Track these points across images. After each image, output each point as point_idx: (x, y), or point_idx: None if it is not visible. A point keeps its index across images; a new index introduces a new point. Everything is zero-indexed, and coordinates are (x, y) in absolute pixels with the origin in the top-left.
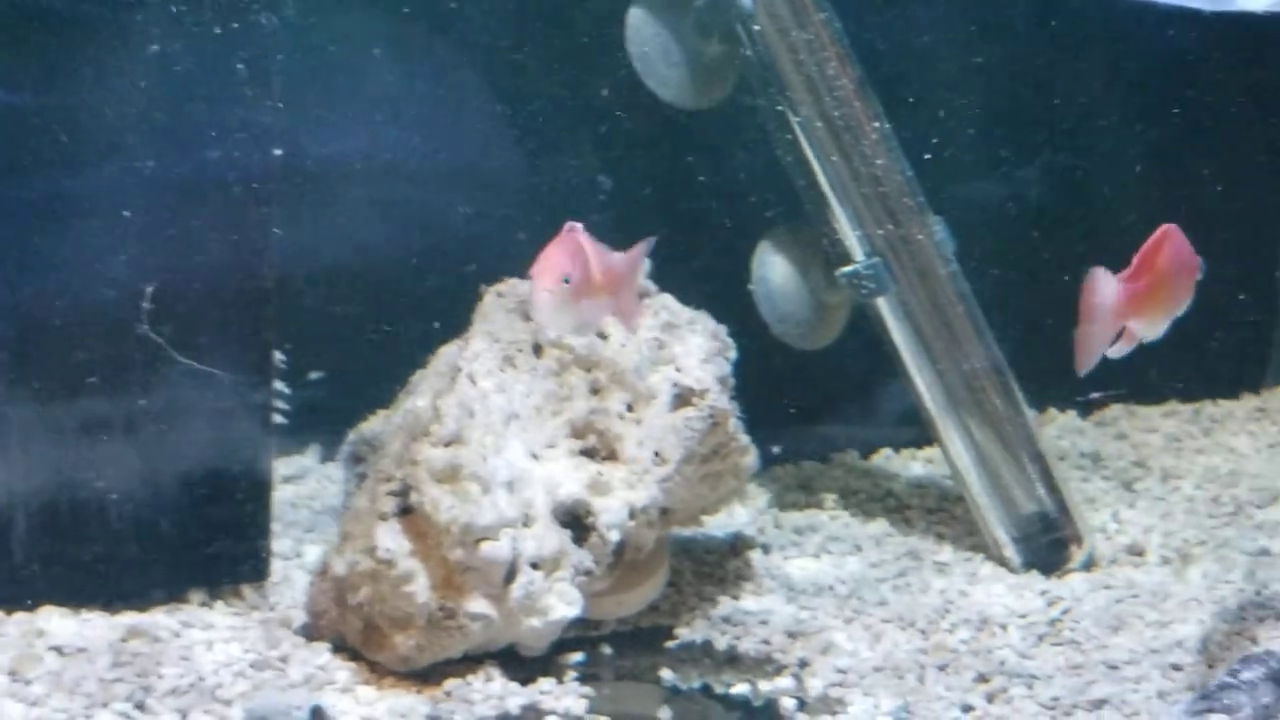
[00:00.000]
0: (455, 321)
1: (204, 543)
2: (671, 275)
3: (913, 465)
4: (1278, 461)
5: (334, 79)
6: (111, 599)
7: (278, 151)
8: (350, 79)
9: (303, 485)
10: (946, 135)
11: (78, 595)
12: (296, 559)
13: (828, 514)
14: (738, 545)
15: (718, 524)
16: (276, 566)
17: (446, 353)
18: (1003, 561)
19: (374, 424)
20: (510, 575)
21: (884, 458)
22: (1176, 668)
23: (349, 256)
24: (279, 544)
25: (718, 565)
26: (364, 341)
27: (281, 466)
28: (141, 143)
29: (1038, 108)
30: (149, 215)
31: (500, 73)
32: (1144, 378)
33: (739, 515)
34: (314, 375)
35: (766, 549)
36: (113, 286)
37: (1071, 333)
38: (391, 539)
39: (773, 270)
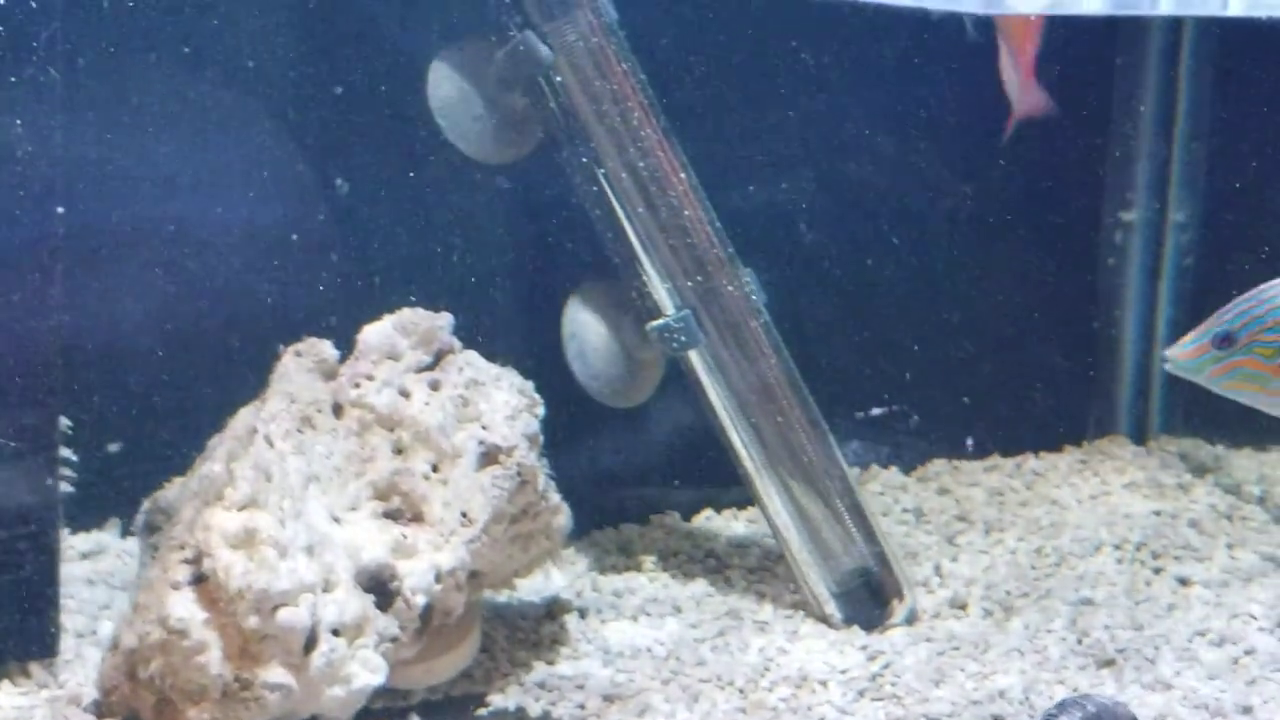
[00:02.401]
0: (258, 385)
1: None
2: (477, 331)
3: (734, 525)
4: (1099, 512)
5: (128, 136)
6: None
7: (60, 210)
8: (145, 137)
9: (101, 561)
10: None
11: None
12: (91, 635)
13: (647, 576)
14: (553, 609)
15: (532, 588)
16: (69, 644)
17: (243, 415)
18: (824, 618)
19: (170, 491)
20: (310, 643)
21: (705, 518)
22: (998, 718)
23: (145, 321)
24: (73, 620)
25: (532, 630)
26: (164, 409)
27: (79, 542)
28: None
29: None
30: None
31: (300, 130)
32: (965, 433)
33: (555, 579)
34: (112, 446)
35: (583, 613)
36: None
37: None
38: (184, 608)
39: (584, 328)
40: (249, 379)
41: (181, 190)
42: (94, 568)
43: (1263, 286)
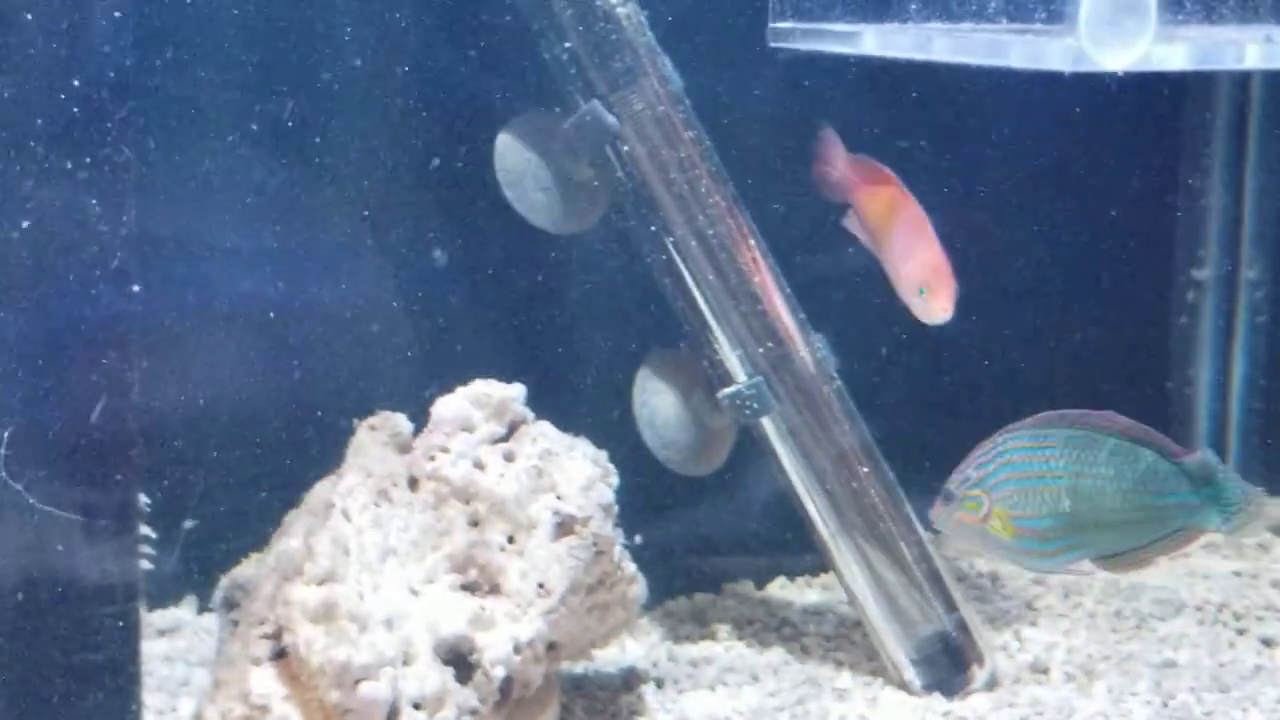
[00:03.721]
0: (331, 459)
1: (69, 696)
2: (549, 402)
3: (808, 592)
4: (1178, 573)
5: (195, 216)
6: None
7: (136, 288)
8: (211, 216)
9: (178, 638)
10: None
11: None
12: (171, 713)
13: (722, 645)
14: (630, 680)
15: (609, 659)
16: None
17: (320, 490)
18: (903, 685)
19: (247, 568)
20: (391, 716)
21: (779, 586)
22: None
23: (219, 397)
24: (152, 698)
25: (610, 701)
26: (238, 485)
27: (156, 619)
28: None
29: None
30: (2, 358)
31: (366, 204)
32: None
33: (631, 650)
34: (187, 523)
35: (660, 683)
36: None
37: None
38: (265, 683)
39: (655, 396)
40: (323, 454)
41: (255, 267)
42: (171, 645)
43: (981, 447)
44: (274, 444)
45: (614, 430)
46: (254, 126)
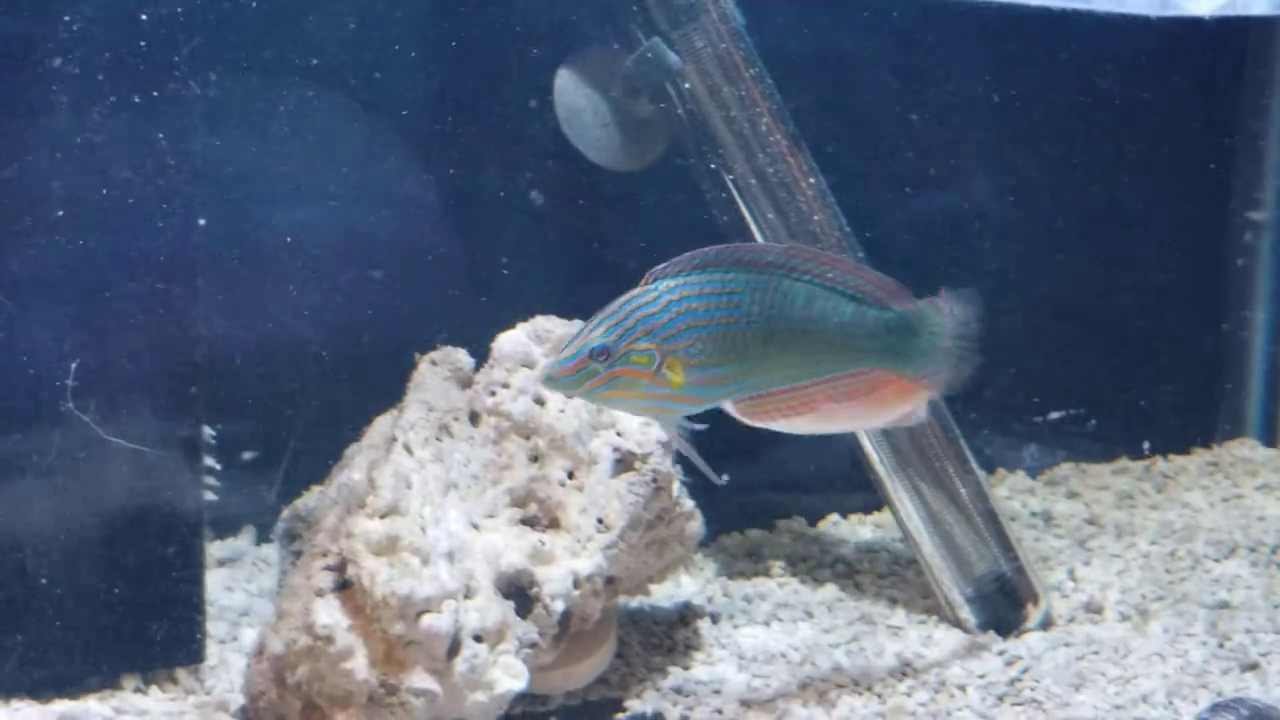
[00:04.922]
0: (392, 393)
1: (137, 626)
2: None
3: (861, 530)
4: (1233, 515)
5: (267, 148)
6: (42, 687)
7: (201, 222)
8: (284, 149)
9: (237, 568)
10: None
11: (7, 684)
12: (233, 642)
13: (776, 581)
14: (686, 614)
15: (664, 594)
16: (212, 650)
17: (381, 424)
18: (958, 623)
19: (308, 499)
20: (453, 649)
21: (832, 523)
22: None
23: (279, 330)
24: (214, 627)
25: (666, 635)
26: (297, 418)
27: (215, 549)
28: (62, 216)
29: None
30: (70, 290)
31: (428, 141)
32: (1093, 436)
33: (686, 585)
34: (247, 455)
35: (715, 618)
36: (36, 364)
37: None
38: (329, 614)
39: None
40: (382, 388)
41: (317, 201)
42: (231, 574)
43: (623, 299)
44: (332, 377)
45: None
46: (326, 66)
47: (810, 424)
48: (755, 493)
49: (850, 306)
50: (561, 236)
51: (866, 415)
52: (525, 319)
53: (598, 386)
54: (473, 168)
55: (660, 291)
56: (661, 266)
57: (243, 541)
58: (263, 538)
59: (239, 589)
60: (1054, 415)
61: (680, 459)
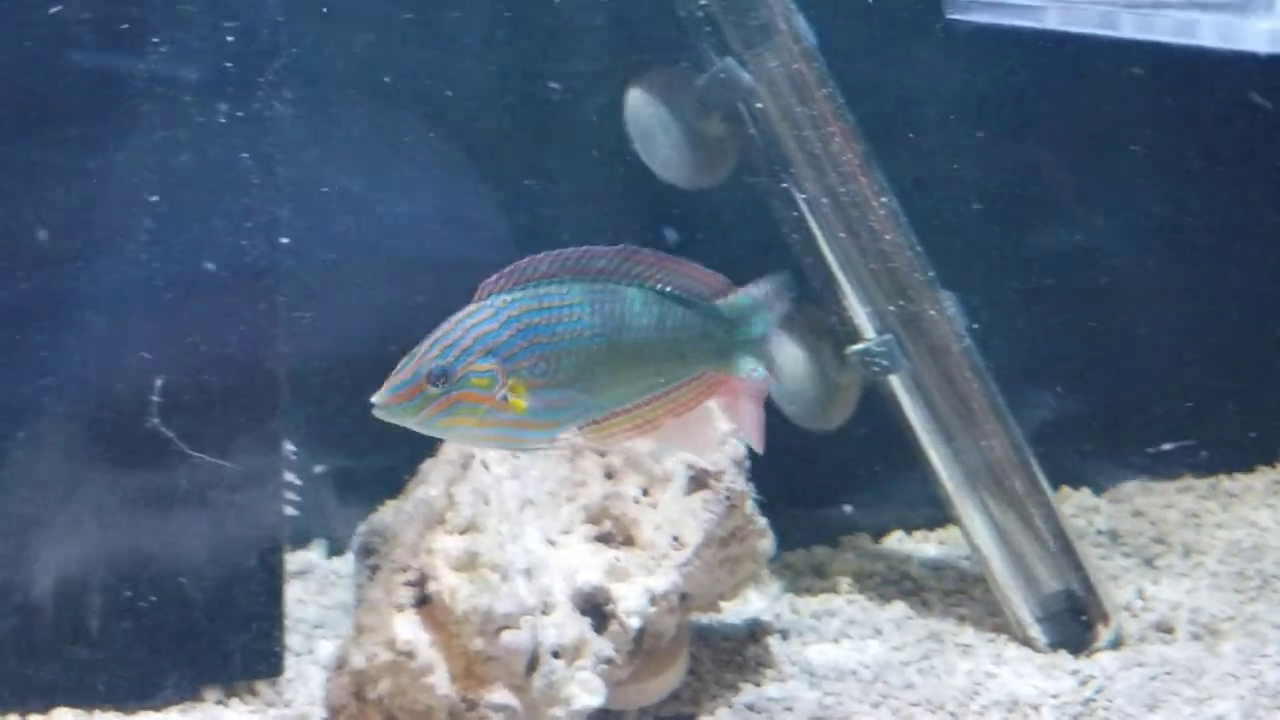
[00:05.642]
0: None
1: (218, 639)
2: None
3: (926, 547)
4: None
5: (341, 166)
6: (125, 699)
7: (284, 240)
8: (356, 166)
9: (309, 581)
10: None
11: (91, 696)
12: (308, 655)
13: (844, 598)
14: (755, 631)
15: (733, 610)
16: (289, 662)
17: None
18: (1027, 642)
19: (384, 514)
20: (532, 665)
21: (897, 540)
22: None
23: (356, 345)
24: (290, 640)
25: (736, 652)
26: (368, 433)
27: (287, 562)
28: (148, 234)
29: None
30: (155, 307)
31: (501, 157)
32: (1157, 453)
33: (754, 601)
34: (318, 469)
35: (785, 634)
36: (121, 380)
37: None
38: (410, 630)
39: (782, 351)
40: None
41: (395, 218)
42: (303, 587)
43: (459, 315)
44: None
45: None
46: (400, 86)
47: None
48: (819, 509)
49: (681, 309)
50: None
51: (699, 430)
52: None
53: (436, 414)
54: (546, 184)
55: (497, 307)
56: (494, 279)
57: (314, 554)
58: (333, 551)
59: (311, 602)
60: (1120, 432)
61: None
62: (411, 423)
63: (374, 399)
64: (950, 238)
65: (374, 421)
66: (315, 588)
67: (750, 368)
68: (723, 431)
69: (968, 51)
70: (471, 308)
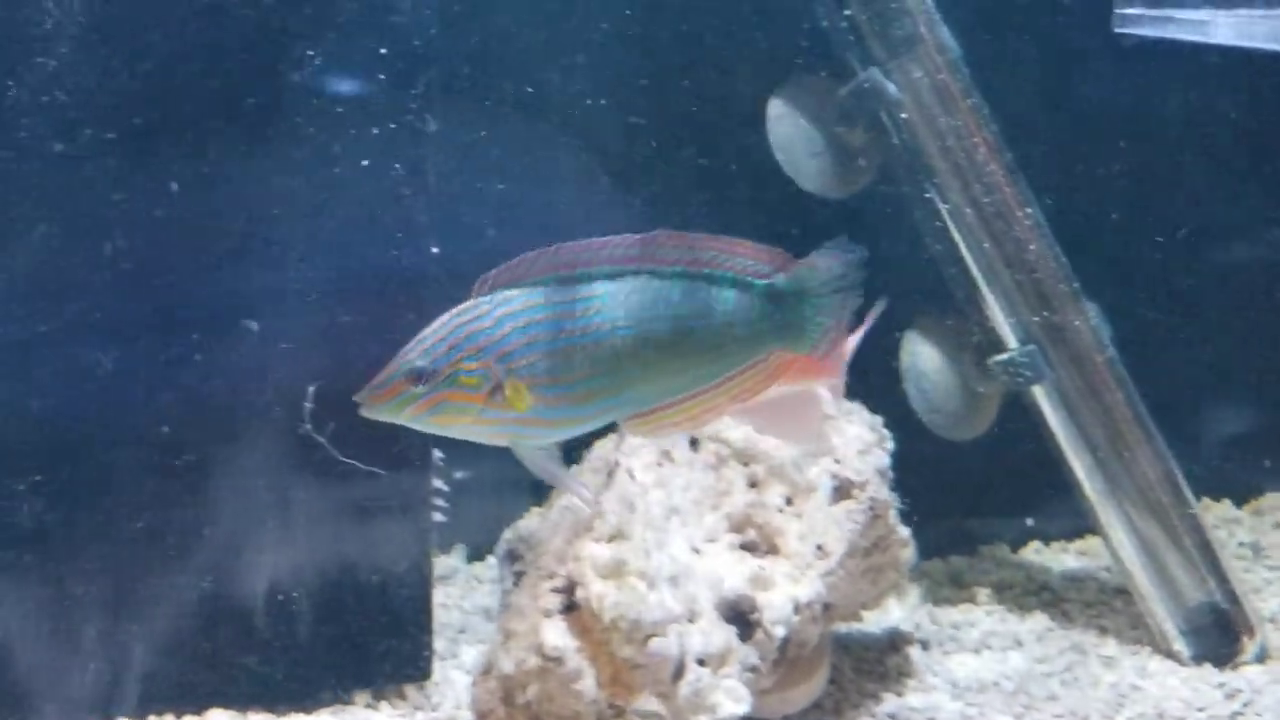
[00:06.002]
0: None
1: (368, 643)
2: None
3: (1064, 557)
4: None
5: (490, 176)
6: (277, 701)
7: (435, 250)
8: (505, 176)
9: (452, 586)
10: None
11: (244, 697)
12: (453, 659)
13: (983, 609)
14: (895, 641)
15: (872, 619)
16: (434, 666)
17: (601, 448)
18: (1171, 654)
19: (529, 521)
20: (678, 672)
21: (1034, 550)
22: None
23: None
24: (435, 643)
25: (877, 661)
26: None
27: None
28: (302, 244)
29: None
30: (309, 315)
31: (642, 166)
32: None
33: (893, 611)
34: (459, 474)
35: (925, 644)
36: (275, 388)
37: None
38: (558, 636)
39: (923, 360)
40: None
41: (541, 228)
42: (445, 592)
43: (449, 315)
44: None
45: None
46: (545, 96)
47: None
48: (956, 518)
49: (732, 290)
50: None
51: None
52: None
53: (421, 412)
54: (687, 192)
55: (494, 304)
56: (496, 272)
57: (455, 559)
58: (474, 556)
59: (454, 606)
60: (1262, 444)
61: None
62: (400, 420)
63: (357, 396)
64: (1094, 247)
65: None
66: (457, 592)
67: (818, 340)
68: (866, 441)
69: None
70: (467, 304)
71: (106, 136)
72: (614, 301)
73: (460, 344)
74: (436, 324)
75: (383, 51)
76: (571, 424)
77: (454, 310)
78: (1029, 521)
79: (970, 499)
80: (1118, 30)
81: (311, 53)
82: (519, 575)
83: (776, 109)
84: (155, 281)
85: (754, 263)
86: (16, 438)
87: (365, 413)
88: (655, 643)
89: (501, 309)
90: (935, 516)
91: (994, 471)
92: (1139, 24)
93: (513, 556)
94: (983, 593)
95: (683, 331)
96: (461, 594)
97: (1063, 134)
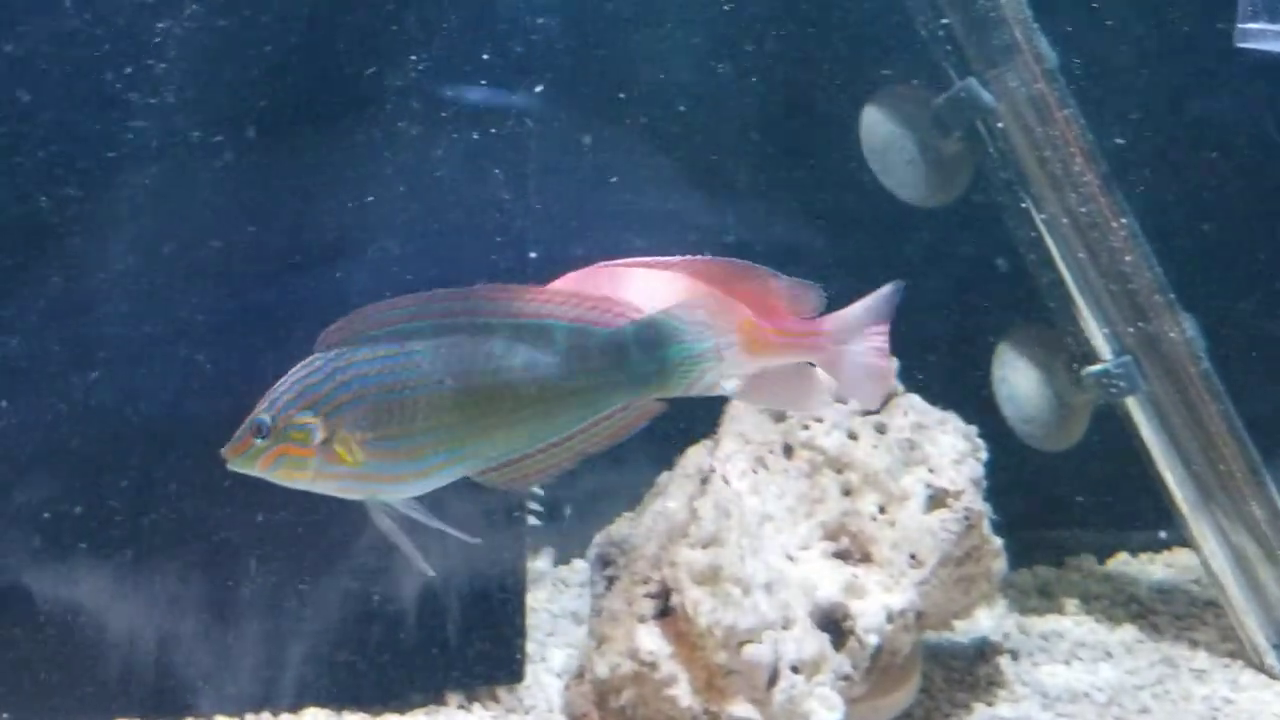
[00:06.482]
0: (688, 424)
1: (462, 645)
2: (915, 376)
3: (1152, 569)
4: None
5: (594, 180)
6: (372, 701)
7: (533, 255)
8: (605, 179)
9: (539, 589)
10: None
11: (340, 697)
12: (542, 662)
13: (1071, 620)
14: (985, 650)
15: (962, 629)
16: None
17: (694, 454)
18: (1263, 668)
19: (621, 526)
20: (772, 679)
21: (1121, 562)
22: None
23: None
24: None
25: (967, 671)
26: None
27: None
28: (404, 248)
29: None
30: None
31: (749, 174)
32: None
33: (981, 620)
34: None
35: (1014, 655)
36: None
37: None
38: (653, 641)
39: (1015, 371)
40: (682, 418)
41: (641, 235)
42: (532, 595)
43: (294, 370)
44: None
45: (959, 401)
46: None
47: None
48: (1043, 529)
49: (565, 343)
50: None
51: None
52: None
53: (269, 466)
54: (782, 198)
55: (326, 359)
56: (334, 328)
57: (542, 563)
58: (560, 560)
59: (542, 609)
60: None
61: None
62: (255, 473)
63: (223, 450)
64: (1188, 258)
65: None
66: (544, 595)
67: (683, 385)
68: (961, 450)
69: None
70: (308, 360)
71: (214, 139)
72: (435, 356)
73: (294, 399)
74: (284, 379)
75: (484, 57)
76: (415, 479)
77: (298, 365)
78: (1117, 533)
79: (1057, 509)
80: (1239, 45)
81: (415, 58)
82: (611, 580)
83: (870, 116)
84: (267, 283)
85: (596, 314)
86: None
87: (230, 466)
88: (750, 649)
89: (333, 364)
90: (1022, 526)
91: (1081, 482)
92: (1262, 39)
93: (604, 561)
94: (1071, 603)
95: (506, 384)
96: (549, 597)
97: (1159, 144)
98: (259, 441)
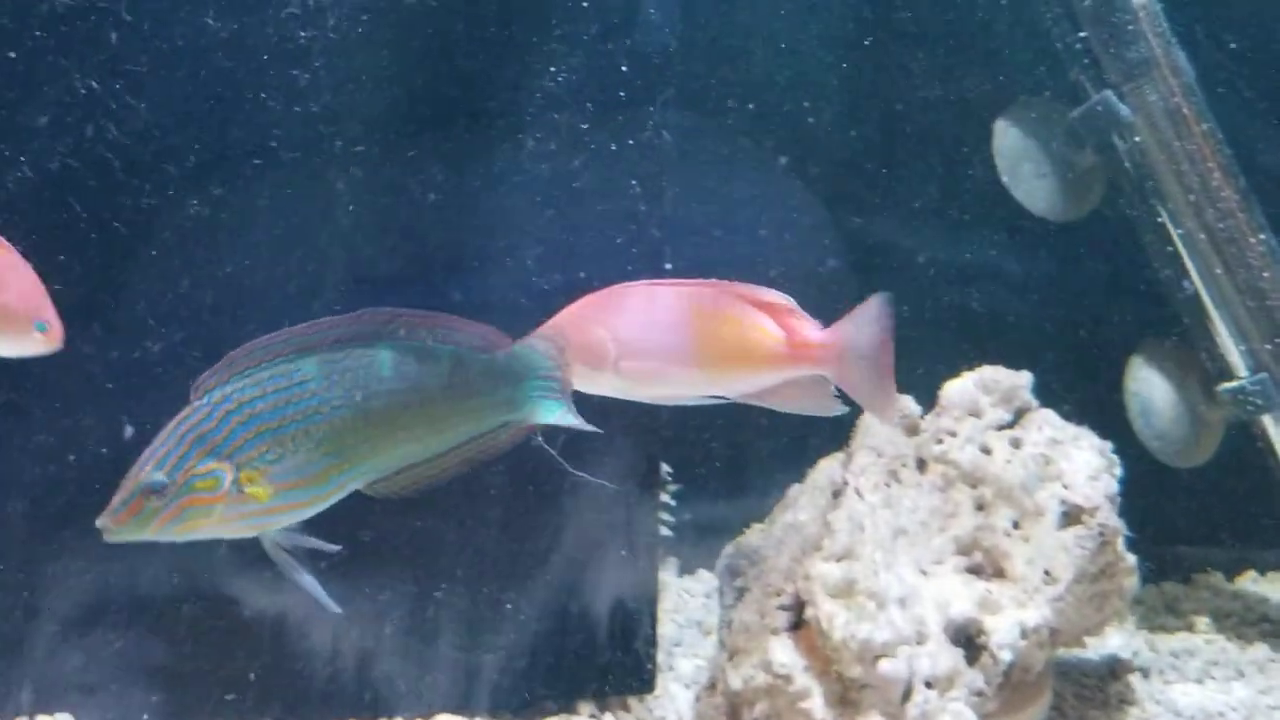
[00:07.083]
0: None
1: (595, 654)
2: (1050, 389)
3: None
4: None
5: (712, 190)
6: (504, 708)
7: (668, 266)
8: (726, 190)
9: (663, 599)
10: None
11: (472, 702)
12: (669, 671)
13: (1202, 637)
14: (1115, 668)
15: (1092, 645)
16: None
17: (825, 466)
18: None
19: (750, 537)
20: (906, 694)
21: (1251, 580)
22: None
23: None
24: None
25: (1098, 689)
26: (719, 457)
27: None
28: (538, 255)
29: None
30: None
31: (868, 187)
32: None
33: (1111, 637)
34: (675, 488)
35: (1145, 673)
36: None
37: None
38: (786, 654)
39: (1149, 386)
40: (807, 430)
41: (761, 243)
42: (659, 606)
43: (174, 423)
44: (759, 417)
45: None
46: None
47: None
48: (1170, 546)
49: (449, 363)
50: (995, 287)
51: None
52: (970, 368)
53: (165, 524)
54: (897, 214)
55: (214, 403)
56: (209, 374)
57: (666, 573)
58: (684, 570)
59: (667, 619)
60: None
61: None
62: (145, 537)
63: (98, 522)
64: None
65: (723, 445)
66: (669, 605)
67: (553, 415)
68: (1096, 466)
69: None
70: (188, 409)
71: (356, 149)
72: (328, 382)
73: (190, 450)
74: (163, 434)
75: (623, 68)
76: (315, 502)
77: (178, 417)
78: (1246, 550)
79: (1185, 525)
80: None
81: (554, 69)
82: (741, 591)
83: (1002, 129)
84: (404, 293)
85: (475, 339)
86: None
87: (109, 538)
88: (885, 664)
89: (223, 406)
90: (1150, 542)
91: (1210, 498)
92: None
93: (734, 572)
94: (1200, 621)
95: (398, 405)
96: (674, 607)
97: None
98: (154, 503)
